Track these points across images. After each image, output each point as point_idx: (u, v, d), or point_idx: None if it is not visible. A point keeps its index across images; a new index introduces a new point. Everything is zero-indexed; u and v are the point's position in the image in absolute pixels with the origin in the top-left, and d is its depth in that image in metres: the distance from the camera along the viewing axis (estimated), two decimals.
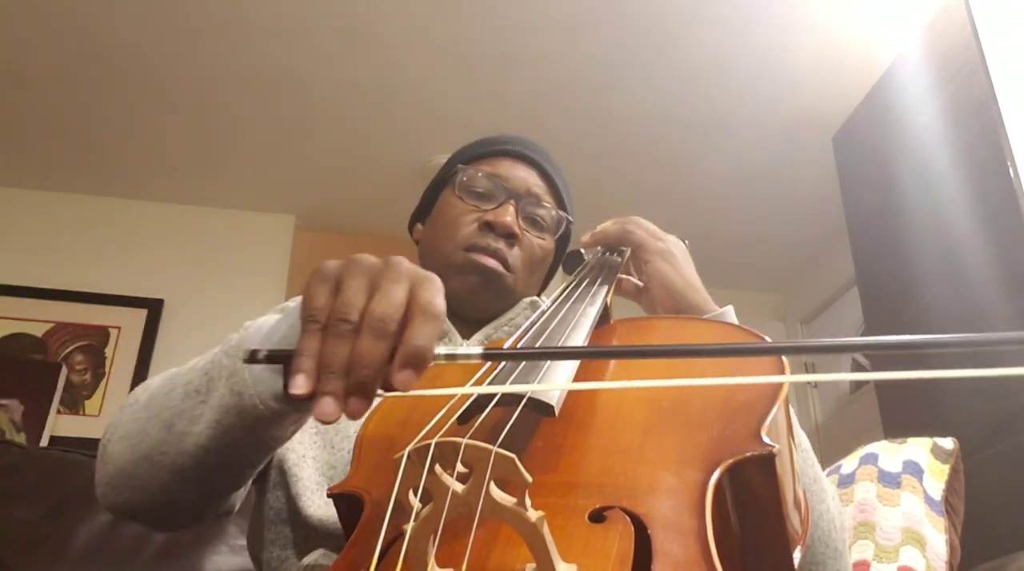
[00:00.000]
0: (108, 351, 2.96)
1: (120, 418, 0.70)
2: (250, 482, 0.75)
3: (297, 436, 0.81)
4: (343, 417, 0.82)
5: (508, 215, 0.93)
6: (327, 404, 0.46)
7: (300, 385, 0.46)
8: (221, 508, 0.73)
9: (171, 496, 0.67)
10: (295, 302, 0.61)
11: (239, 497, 0.76)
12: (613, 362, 0.66)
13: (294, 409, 0.58)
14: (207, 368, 0.64)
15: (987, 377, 0.36)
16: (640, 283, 0.92)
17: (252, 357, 0.50)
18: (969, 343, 0.38)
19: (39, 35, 2.45)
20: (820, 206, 3.07)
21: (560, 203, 1.01)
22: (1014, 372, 0.35)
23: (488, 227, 0.93)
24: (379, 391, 0.48)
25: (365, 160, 3.05)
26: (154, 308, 3.03)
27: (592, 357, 0.55)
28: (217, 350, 0.66)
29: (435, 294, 0.50)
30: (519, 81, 2.66)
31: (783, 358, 0.56)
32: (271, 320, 0.64)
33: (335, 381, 0.46)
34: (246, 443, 0.62)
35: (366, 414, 0.48)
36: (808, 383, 3.59)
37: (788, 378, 0.51)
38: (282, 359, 0.49)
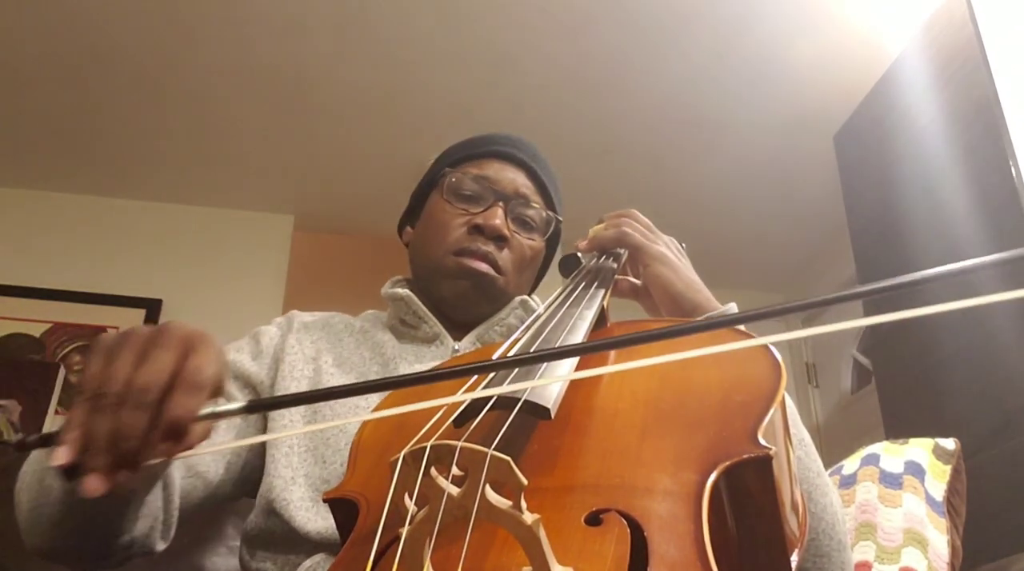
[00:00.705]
0: None
1: (24, 469, 0.73)
2: (159, 525, 0.76)
3: (283, 460, 0.82)
4: (335, 435, 0.82)
5: (497, 218, 0.93)
6: (90, 481, 0.46)
7: (59, 457, 0.46)
8: (128, 551, 0.74)
9: (63, 543, 0.69)
10: None
11: (154, 539, 0.76)
12: (611, 362, 0.66)
13: None
14: None
15: (975, 306, 0.36)
16: (638, 283, 0.92)
17: (21, 446, 0.51)
18: (951, 273, 0.39)
19: (39, 35, 2.45)
20: (820, 206, 3.07)
21: (549, 203, 1.00)
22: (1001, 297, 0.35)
23: (477, 230, 0.93)
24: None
25: (365, 160, 3.05)
26: (153, 308, 3.02)
27: (517, 365, 0.54)
28: None
29: (204, 362, 0.50)
30: (519, 81, 2.66)
31: (779, 359, 0.56)
32: None
33: (97, 456, 0.46)
34: (94, 499, 0.64)
35: (361, 420, 0.48)
36: (809, 383, 3.58)
37: (776, 338, 0.50)
38: (51, 441, 0.48)
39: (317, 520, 0.77)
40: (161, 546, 0.78)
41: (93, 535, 0.69)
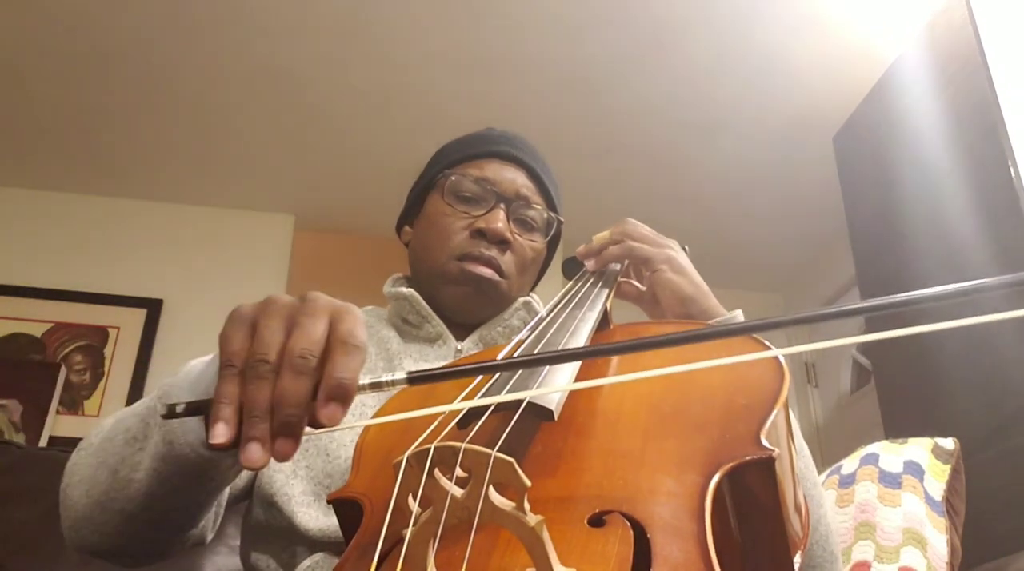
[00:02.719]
0: (107, 351, 2.95)
1: (76, 461, 0.71)
2: (212, 516, 0.75)
3: None
4: (328, 428, 0.81)
5: (499, 221, 0.92)
6: (252, 450, 0.45)
7: (219, 435, 0.45)
8: (185, 544, 0.73)
9: (128, 539, 0.67)
10: None
11: (207, 530, 0.76)
12: (613, 364, 0.66)
13: (229, 454, 0.56)
14: (144, 414, 0.65)
15: (977, 324, 0.36)
16: (642, 288, 0.92)
17: (170, 412, 0.49)
18: (956, 293, 0.39)
19: (39, 35, 2.45)
20: (820, 206, 3.07)
21: (550, 202, 1.00)
22: (1003, 316, 0.36)
23: (480, 234, 0.92)
24: (310, 429, 0.46)
25: (365, 160, 3.05)
26: (153, 308, 3.02)
27: (535, 365, 0.53)
28: (154, 394, 0.66)
29: (355, 325, 0.49)
30: (519, 81, 2.66)
31: (782, 361, 0.56)
32: (204, 361, 0.63)
33: (258, 425, 0.45)
34: (186, 489, 0.62)
35: (362, 424, 0.48)
36: (809, 383, 3.58)
37: (784, 351, 0.50)
38: (201, 410, 0.48)
39: (319, 518, 0.77)
40: (211, 537, 0.78)
41: (166, 527, 0.68)
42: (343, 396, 0.46)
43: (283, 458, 0.46)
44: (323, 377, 0.46)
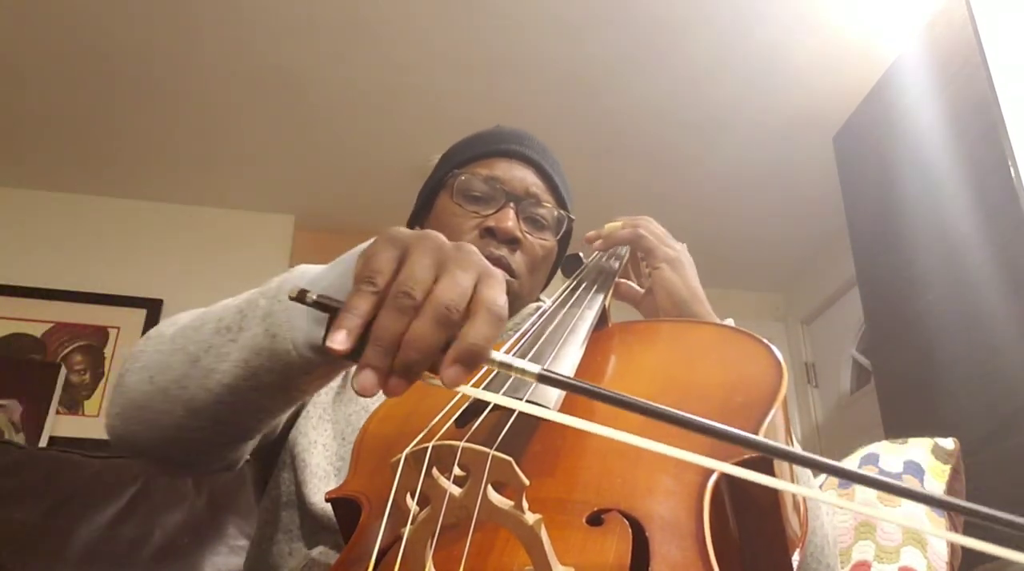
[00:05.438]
0: (107, 351, 2.95)
1: (142, 349, 0.68)
2: (256, 439, 0.73)
3: (312, 422, 0.81)
4: (356, 412, 0.81)
5: (509, 220, 0.91)
6: (368, 377, 0.43)
7: (340, 341, 0.43)
8: (227, 458, 0.71)
9: (180, 434, 0.64)
10: (348, 254, 0.58)
11: (245, 452, 0.74)
12: (612, 362, 0.66)
13: (325, 362, 0.55)
14: (242, 306, 0.62)
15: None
16: (640, 289, 0.92)
17: (301, 296, 0.46)
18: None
19: (39, 35, 2.45)
20: (820, 206, 3.07)
21: (560, 200, 0.99)
22: None
23: (490, 233, 0.91)
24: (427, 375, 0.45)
25: (365, 160, 3.05)
26: (153, 308, 3.02)
27: (633, 409, 0.51)
28: (254, 291, 0.63)
29: (500, 292, 0.47)
30: (519, 81, 2.66)
31: (781, 359, 0.56)
32: (316, 269, 0.61)
33: (382, 356, 0.43)
34: (269, 388, 0.60)
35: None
36: (809, 383, 3.58)
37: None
38: (330, 309, 0.45)
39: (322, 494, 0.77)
40: (239, 465, 0.76)
41: (225, 431, 0.65)
42: (472, 361, 0.44)
43: (392, 394, 0.44)
44: (458, 336, 0.44)
